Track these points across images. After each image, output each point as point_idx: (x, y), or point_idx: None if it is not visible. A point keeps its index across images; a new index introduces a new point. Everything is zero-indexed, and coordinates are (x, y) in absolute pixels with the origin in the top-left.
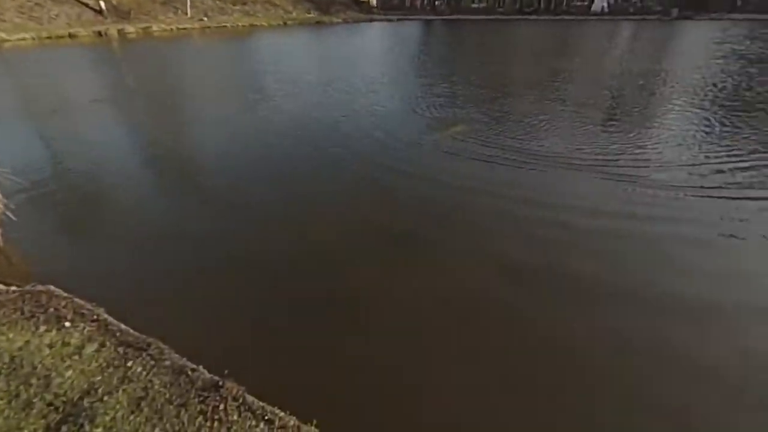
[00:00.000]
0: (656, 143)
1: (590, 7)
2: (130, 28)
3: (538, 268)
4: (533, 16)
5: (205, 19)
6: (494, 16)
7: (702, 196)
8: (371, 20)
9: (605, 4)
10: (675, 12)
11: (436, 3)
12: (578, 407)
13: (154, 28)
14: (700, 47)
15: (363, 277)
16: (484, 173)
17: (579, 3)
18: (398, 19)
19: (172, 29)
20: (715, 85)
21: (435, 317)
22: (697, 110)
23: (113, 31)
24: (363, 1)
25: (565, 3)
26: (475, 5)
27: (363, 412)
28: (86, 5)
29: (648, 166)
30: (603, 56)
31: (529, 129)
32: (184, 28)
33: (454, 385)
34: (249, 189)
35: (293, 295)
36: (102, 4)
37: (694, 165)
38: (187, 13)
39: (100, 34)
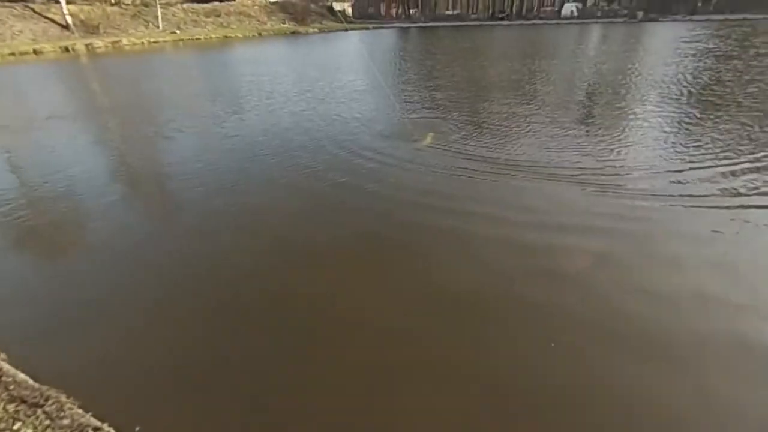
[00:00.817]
0: (632, 146)
1: (560, 12)
2: (98, 43)
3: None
4: (506, 22)
5: (178, 31)
6: (468, 23)
7: (685, 206)
8: (347, 29)
9: (574, 9)
10: (640, 15)
11: (411, 11)
12: None
13: (124, 41)
14: (668, 46)
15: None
16: (452, 187)
17: (549, 8)
18: (374, 28)
19: (143, 43)
20: (686, 80)
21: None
22: (671, 108)
23: (80, 46)
24: (339, 11)
25: (535, 8)
26: (449, 12)
27: None
28: (52, 20)
29: (627, 174)
30: (576, 57)
31: (506, 135)
32: (156, 42)
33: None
34: (208, 213)
35: (221, 342)
36: (68, 18)
37: (675, 171)
38: (158, 27)
39: (66, 49)
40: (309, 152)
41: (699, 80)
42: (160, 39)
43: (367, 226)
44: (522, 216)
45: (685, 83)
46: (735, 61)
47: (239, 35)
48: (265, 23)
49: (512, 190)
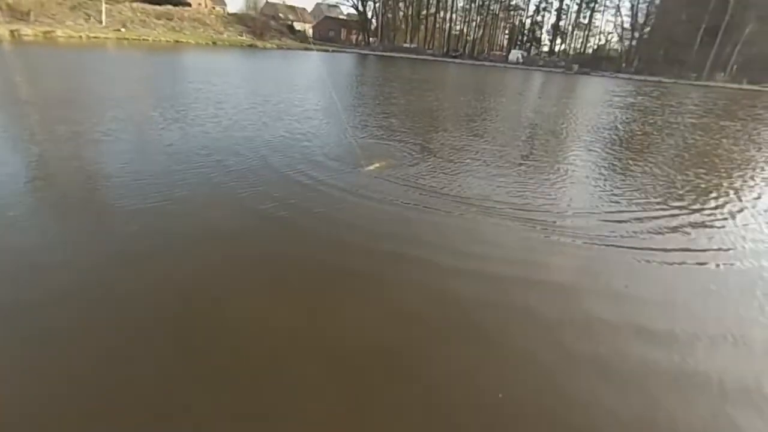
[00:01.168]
0: (567, 187)
1: (507, 58)
2: (27, 31)
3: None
4: (458, 60)
5: (123, 30)
6: (424, 57)
7: (609, 246)
8: (306, 49)
9: (520, 56)
10: (575, 68)
11: (371, 40)
12: None
13: (59, 33)
14: (601, 97)
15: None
16: (392, 221)
17: (498, 52)
18: (333, 51)
19: (81, 37)
20: (617, 128)
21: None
22: (605, 152)
23: (3, 32)
24: (299, 30)
25: (486, 51)
26: (406, 45)
27: None
28: None
29: (562, 212)
30: (521, 99)
31: (453, 168)
32: (97, 37)
33: None
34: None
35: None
36: None
37: (605, 212)
38: (101, 22)
39: None
40: (252, 172)
41: (628, 129)
42: (102, 35)
43: (299, 257)
44: (454, 258)
45: (616, 131)
46: (656, 117)
47: (192, 42)
48: (222, 33)
49: (453, 228)
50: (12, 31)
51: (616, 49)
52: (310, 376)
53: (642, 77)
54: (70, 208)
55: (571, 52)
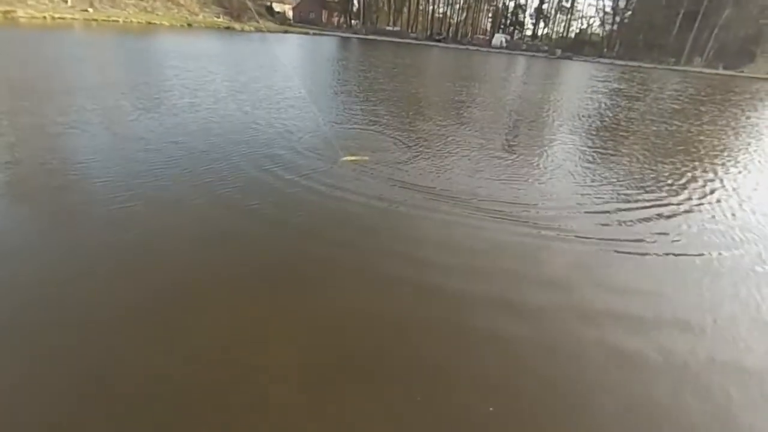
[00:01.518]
0: (552, 177)
1: (491, 42)
2: None
3: None
4: (442, 44)
5: (91, 10)
6: (407, 40)
7: (597, 239)
8: (286, 32)
9: (503, 40)
10: (558, 52)
11: (353, 22)
12: None
13: (20, 13)
14: (585, 83)
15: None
16: (372, 219)
17: (482, 36)
18: (314, 34)
19: (45, 17)
20: (601, 115)
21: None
22: (590, 139)
23: None
24: (278, 12)
25: (469, 35)
26: (389, 28)
27: None
28: None
29: (549, 206)
30: (505, 84)
31: (435, 159)
32: (62, 18)
33: None
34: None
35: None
36: None
37: (587, 204)
38: (67, 1)
39: None
40: (228, 168)
41: (613, 116)
42: (68, 16)
43: (274, 262)
44: (435, 257)
45: (602, 118)
46: (640, 103)
47: (165, 23)
48: (197, 14)
49: (434, 227)
50: None
51: (598, 34)
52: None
53: (623, 62)
54: (29, 209)
55: (554, 36)
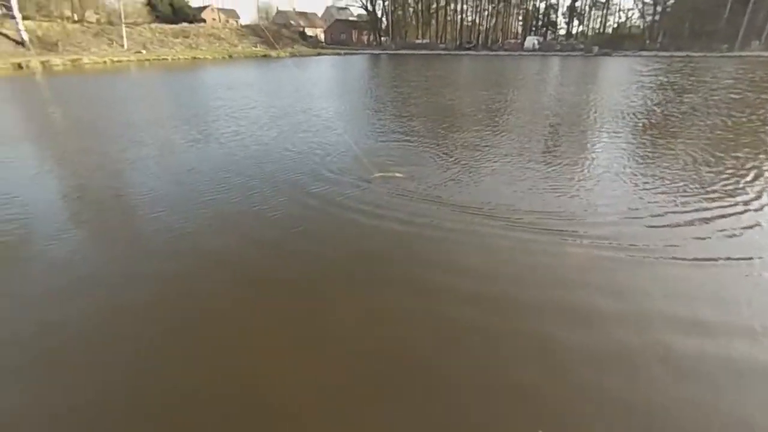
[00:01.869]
0: (599, 185)
1: (523, 44)
2: (56, 60)
3: None
4: (473, 52)
5: (144, 51)
6: (437, 51)
7: (655, 257)
8: (319, 54)
9: (536, 42)
10: (596, 49)
11: (382, 39)
12: None
13: (85, 60)
14: (626, 78)
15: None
16: (411, 244)
17: (513, 40)
18: (346, 53)
19: (105, 62)
20: (648, 112)
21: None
22: (636, 140)
23: (36, 64)
24: (311, 36)
25: (500, 40)
26: (418, 41)
27: None
28: (5, 36)
29: (597, 219)
30: (541, 87)
31: (472, 172)
32: (120, 61)
33: None
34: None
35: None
36: (24, 35)
37: (643, 216)
38: (123, 45)
39: (20, 66)
40: (270, 191)
41: (663, 112)
42: (124, 58)
43: (314, 278)
44: (474, 282)
45: (650, 115)
46: (692, 95)
47: (209, 57)
48: (236, 46)
49: (470, 248)
50: (43, 62)
51: (638, 26)
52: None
53: (668, 53)
54: (99, 237)
55: (590, 33)
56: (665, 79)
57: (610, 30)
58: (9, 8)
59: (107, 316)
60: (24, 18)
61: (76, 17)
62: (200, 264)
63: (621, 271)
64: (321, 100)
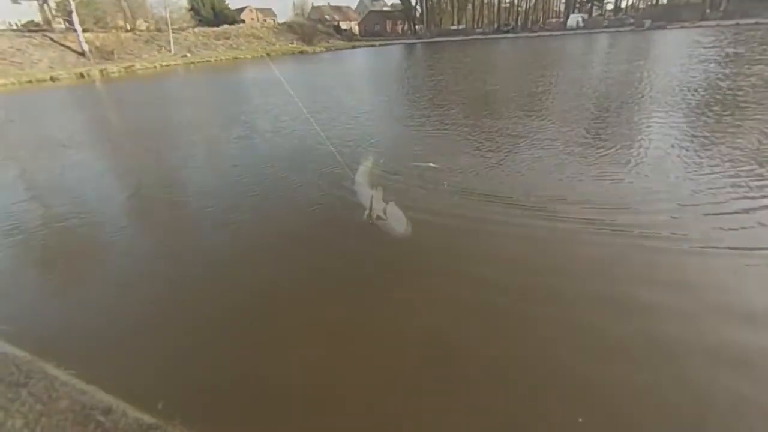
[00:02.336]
0: (655, 170)
1: (565, 23)
2: (112, 68)
3: None
4: (511, 35)
5: (189, 54)
6: (474, 37)
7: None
8: (354, 47)
9: (580, 19)
10: (648, 23)
11: (417, 27)
12: None
13: (137, 66)
14: (683, 52)
15: None
16: (429, 237)
17: (555, 20)
18: (380, 45)
19: (155, 66)
20: (709, 86)
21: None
22: (695, 117)
23: (95, 72)
24: (345, 30)
25: (541, 20)
26: (454, 27)
27: None
28: (69, 48)
29: (653, 208)
30: (587, 67)
31: (514, 161)
32: (168, 65)
33: None
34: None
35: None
36: (84, 46)
37: (703, 203)
38: (170, 50)
39: (82, 75)
40: (310, 185)
41: (728, 86)
42: (172, 62)
43: (354, 268)
44: (510, 278)
45: (712, 90)
46: (763, 66)
47: (248, 56)
48: (274, 44)
49: (510, 242)
50: (101, 70)
51: None
52: None
53: (732, 21)
54: (154, 228)
55: (641, 6)
56: (731, 50)
57: (664, 0)
58: (71, 23)
59: (166, 298)
60: (84, 30)
61: (128, 27)
62: (252, 253)
63: (672, 267)
64: (357, 93)
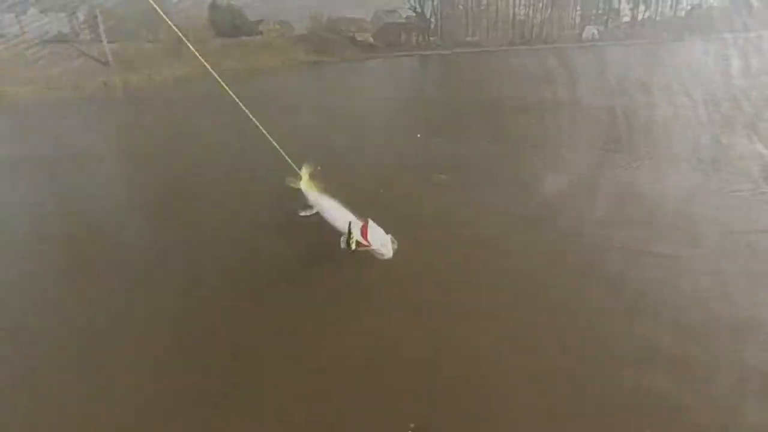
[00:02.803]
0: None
1: (581, 35)
2: (133, 77)
3: None
4: (526, 46)
5: (208, 65)
6: (488, 48)
7: None
8: (368, 59)
9: (595, 32)
10: (665, 35)
11: (431, 38)
12: None
13: (156, 76)
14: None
15: None
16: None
17: (569, 32)
18: (395, 56)
19: (174, 76)
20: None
21: None
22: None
23: (117, 81)
24: (361, 40)
25: (556, 33)
26: (468, 38)
27: None
28: (91, 57)
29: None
30: (602, 81)
31: (519, 177)
32: (187, 75)
33: None
34: None
35: None
36: (109, 56)
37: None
38: (190, 61)
39: (104, 84)
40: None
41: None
42: (191, 72)
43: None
44: None
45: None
46: None
47: (264, 66)
48: (290, 54)
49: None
50: (123, 79)
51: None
52: None
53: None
54: None
55: (658, 18)
56: None
57: (682, 13)
58: (98, 34)
59: None
60: (109, 41)
61: (150, 37)
62: None
63: None
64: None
